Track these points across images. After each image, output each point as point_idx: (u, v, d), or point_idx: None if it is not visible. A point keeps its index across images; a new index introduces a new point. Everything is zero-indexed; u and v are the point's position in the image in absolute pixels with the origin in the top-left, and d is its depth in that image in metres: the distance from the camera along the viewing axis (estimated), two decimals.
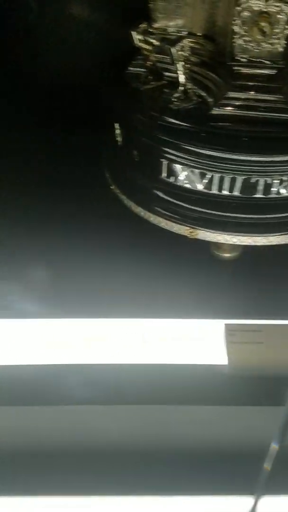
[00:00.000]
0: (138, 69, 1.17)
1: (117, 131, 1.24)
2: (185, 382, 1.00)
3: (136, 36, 1.09)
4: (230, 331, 1.04)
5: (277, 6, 0.99)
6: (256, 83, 1.05)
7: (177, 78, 1.10)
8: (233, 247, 1.18)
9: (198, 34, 1.10)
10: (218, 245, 1.19)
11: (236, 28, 1.00)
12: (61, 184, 1.35)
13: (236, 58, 1.04)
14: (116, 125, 1.24)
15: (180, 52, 1.02)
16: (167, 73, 1.13)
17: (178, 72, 1.04)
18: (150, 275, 1.13)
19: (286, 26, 1.01)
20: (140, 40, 1.09)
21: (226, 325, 1.05)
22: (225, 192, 1.09)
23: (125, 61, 1.24)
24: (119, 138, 1.24)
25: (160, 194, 1.16)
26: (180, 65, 1.02)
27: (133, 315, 1.06)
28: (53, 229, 1.30)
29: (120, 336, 0.99)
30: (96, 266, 1.22)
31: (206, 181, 1.09)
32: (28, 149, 1.38)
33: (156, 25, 1.14)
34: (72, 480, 0.79)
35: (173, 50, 1.01)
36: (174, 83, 1.12)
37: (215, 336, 1.04)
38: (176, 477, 0.93)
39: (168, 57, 1.10)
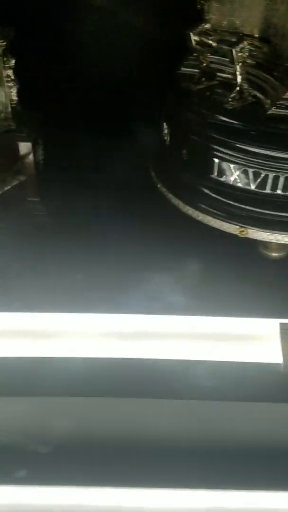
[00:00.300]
0: (190, 69, 1.18)
1: (165, 131, 1.25)
2: (239, 380, 1.01)
3: (193, 37, 1.10)
4: (285, 330, 1.06)
5: None
6: None
7: (230, 78, 1.11)
8: (282, 246, 1.19)
9: (253, 35, 1.11)
10: (266, 244, 1.20)
11: None
12: (106, 184, 1.37)
13: None
14: (164, 124, 1.25)
15: (240, 54, 1.03)
16: (220, 74, 1.14)
17: (237, 73, 1.05)
18: (201, 274, 1.14)
19: None
20: (196, 41, 1.10)
21: (281, 324, 1.06)
22: (279, 192, 1.10)
23: (172, 61, 1.25)
24: (166, 138, 1.25)
25: (210, 193, 1.17)
26: (239, 66, 1.03)
27: (187, 313, 1.08)
28: (96, 228, 1.31)
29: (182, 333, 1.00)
30: (142, 265, 1.23)
31: (260, 180, 1.10)
32: (72, 149, 1.39)
33: (207, 26, 1.15)
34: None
35: (234, 51, 1.02)
36: (227, 83, 1.13)
37: (270, 335, 1.05)
38: (233, 472, 0.94)
39: (223, 58, 1.11)
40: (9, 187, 1.17)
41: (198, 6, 1.17)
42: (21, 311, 0.98)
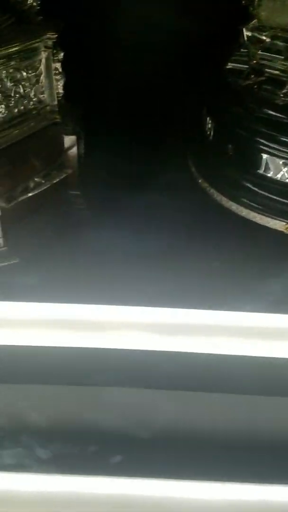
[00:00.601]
0: (238, 64, 1.18)
1: (208, 125, 1.26)
2: None
3: (246, 33, 1.10)
4: None
5: None
6: None
7: (279, 75, 1.12)
8: None
9: None
10: None
11: None
12: (145, 179, 1.37)
13: None
14: (207, 119, 1.26)
15: None
16: (269, 70, 1.14)
17: None
18: (249, 271, 1.15)
19: None
20: (248, 37, 1.11)
21: None
22: None
23: (216, 57, 1.26)
24: (210, 133, 1.26)
25: (256, 188, 1.18)
26: None
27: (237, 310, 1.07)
28: (136, 223, 1.31)
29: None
30: (187, 262, 1.23)
31: None
32: (112, 143, 1.39)
33: (256, 22, 1.16)
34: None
35: None
36: (275, 79, 1.14)
37: None
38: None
39: (273, 54, 1.12)
40: (57, 179, 1.17)
41: (243, 2, 1.17)
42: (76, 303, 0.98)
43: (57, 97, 1.21)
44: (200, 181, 1.28)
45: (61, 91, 1.20)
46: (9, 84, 1.10)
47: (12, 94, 1.11)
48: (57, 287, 1.14)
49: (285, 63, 1.08)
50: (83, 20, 1.31)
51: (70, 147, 1.24)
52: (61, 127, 1.22)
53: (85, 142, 1.31)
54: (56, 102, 1.20)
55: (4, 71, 1.08)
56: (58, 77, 1.18)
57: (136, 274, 1.22)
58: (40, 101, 1.18)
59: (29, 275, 1.19)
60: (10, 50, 1.08)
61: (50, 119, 1.21)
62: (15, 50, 1.09)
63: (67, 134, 1.23)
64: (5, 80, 1.09)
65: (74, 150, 1.25)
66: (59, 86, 1.19)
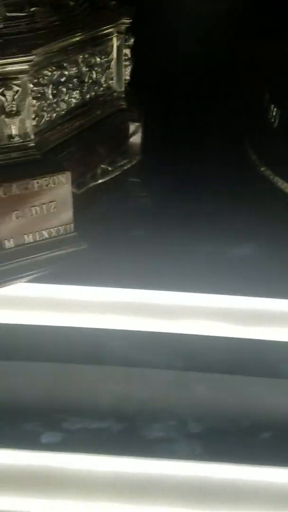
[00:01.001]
0: None
1: (273, 113, 1.26)
2: None
3: None
4: None
5: None
6: None
7: None
8: None
9: None
10: None
11: None
12: (206, 166, 1.36)
13: None
14: (272, 107, 1.25)
15: None
16: None
17: None
18: None
19: None
20: None
21: None
22: None
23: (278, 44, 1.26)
24: (274, 120, 1.26)
25: None
26: None
27: None
28: (197, 212, 1.31)
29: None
30: (253, 250, 1.23)
31: None
32: (171, 132, 1.39)
33: None
34: None
35: None
36: None
37: None
38: None
39: None
40: (128, 166, 1.17)
41: None
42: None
43: (124, 83, 1.20)
44: (262, 169, 1.28)
45: (128, 77, 1.20)
46: (84, 69, 1.09)
47: (86, 80, 1.11)
48: (125, 273, 1.14)
49: None
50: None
51: (135, 134, 1.24)
52: (127, 114, 1.22)
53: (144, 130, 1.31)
54: (123, 89, 1.20)
55: (81, 56, 1.07)
56: (127, 63, 1.17)
57: (199, 262, 1.22)
58: (109, 87, 1.18)
59: (96, 260, 1.18)
60: (86, 35, 1.07)
61: (117, 105, 1.21)
62: (91, 35, 1.08)
63: (133, 121, 1.22)
64: (81, 65, 1.08)
65: (138, 137, 1.24)
66: (126, 72, 1.19)
